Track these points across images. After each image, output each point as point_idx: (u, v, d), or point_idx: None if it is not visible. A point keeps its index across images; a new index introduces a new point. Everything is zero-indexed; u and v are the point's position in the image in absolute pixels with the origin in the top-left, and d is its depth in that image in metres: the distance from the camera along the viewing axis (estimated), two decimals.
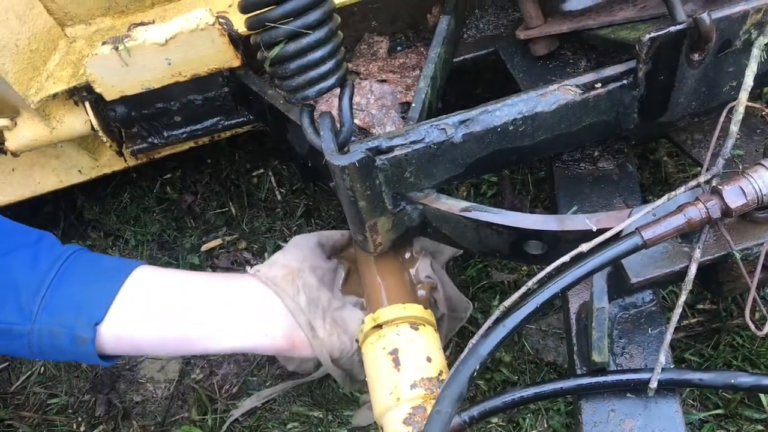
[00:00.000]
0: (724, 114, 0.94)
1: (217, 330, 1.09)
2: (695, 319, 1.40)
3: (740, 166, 1.07)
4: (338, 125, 0.97)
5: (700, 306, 1.42)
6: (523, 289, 0.86)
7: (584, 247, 0.86)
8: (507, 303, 0.86)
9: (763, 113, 1.15)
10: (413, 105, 1.10)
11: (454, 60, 1.28)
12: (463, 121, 0.97)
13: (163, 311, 1.08)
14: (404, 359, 1.03)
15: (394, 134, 0.97)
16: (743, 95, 0.91)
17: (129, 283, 1.07)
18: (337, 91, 0.97)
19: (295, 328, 1.11)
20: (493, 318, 0.86)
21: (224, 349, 1.11)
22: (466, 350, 0.86)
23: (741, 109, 0.91)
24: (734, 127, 0.90)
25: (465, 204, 1.01)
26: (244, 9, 0.89)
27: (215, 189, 1.84)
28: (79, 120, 1.28)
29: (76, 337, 1.02)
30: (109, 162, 1.49)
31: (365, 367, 1.09)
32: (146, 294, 1.08)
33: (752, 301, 0.87)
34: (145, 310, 1.07)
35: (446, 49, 1.21)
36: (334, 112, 0.99)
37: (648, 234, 0.86)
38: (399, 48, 1.34)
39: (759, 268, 0.88)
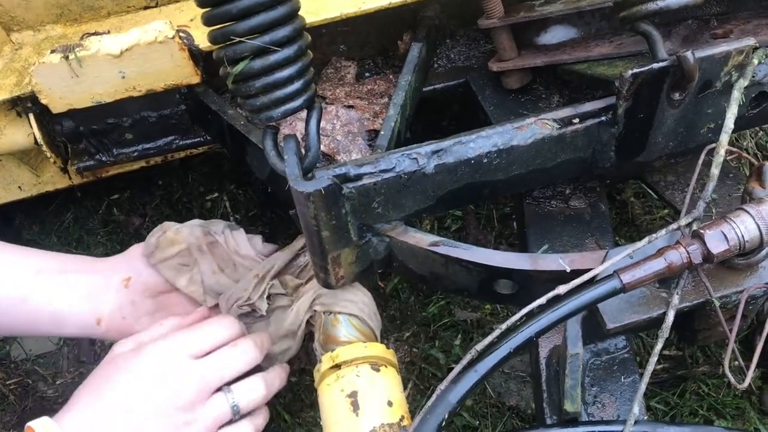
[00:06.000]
0: (702, 156, 0.91)
1: (58, 318, 1.11)
2: (660, 366, 1.37)
3: (713, 210, 1.05)
4: (303, 150, 0.92)
5: (666, 352, 1.39)
6: (496, 332, 0.81)
7: (561, 289, 0.81)
8: (479, 347, 0.80)
9: (733, 156, 1.13)
10: (382, 133, 1.05)
11: (424, 89, 1.25)
12: (436, 152, 0.93)
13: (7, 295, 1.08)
14: (364, 403, 0.96)
15: (364, 162, 0.91)
16: (724, 138, 0.89)
17: None
18: (301, 114, 0.91)
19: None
20: (464, 362, 0.80)
21: (67, 335, 1.20)
22: (434, 397, 0.80)
23: (721, 152, 0.89)
24: (715, 170, 0.88)
25: (434, 238, 0.95)
26: (208, 21, 0.84)
27: (165, 212, 1.74)
28: (21, 133, 1.19)
29: None
30: (53, 179, 1.39)
31: (321, 410, 1.01)
32: None
33: (730, 352, 0.84)
34: None
35: (416, 77, 1.17)
36: (298, 136, 0.93)
37: (627, 278, 0.81)
38: (367, 74, 1.29)
39: (739, 317, 0.84)
